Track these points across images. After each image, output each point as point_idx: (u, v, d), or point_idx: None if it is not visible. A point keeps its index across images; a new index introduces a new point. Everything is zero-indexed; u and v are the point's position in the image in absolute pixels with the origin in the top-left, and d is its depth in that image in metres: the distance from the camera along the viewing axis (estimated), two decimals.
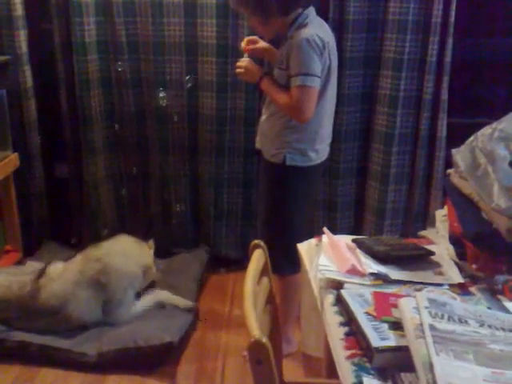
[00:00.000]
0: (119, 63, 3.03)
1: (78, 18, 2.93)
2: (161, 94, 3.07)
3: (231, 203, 3.24)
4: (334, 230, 1.74)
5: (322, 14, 2.54)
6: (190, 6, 2.93)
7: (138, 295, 2.71)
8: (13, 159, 2.99)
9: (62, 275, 2.56)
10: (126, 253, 2.67)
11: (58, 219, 3.37)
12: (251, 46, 2.35)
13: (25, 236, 3.18)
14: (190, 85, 3.06)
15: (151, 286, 2.80)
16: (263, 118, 2.39)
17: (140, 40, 3.01)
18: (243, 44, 2.37)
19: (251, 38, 2.38)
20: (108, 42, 3.04)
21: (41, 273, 2.60)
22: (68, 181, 3.29)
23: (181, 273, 2.99)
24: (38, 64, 3.15)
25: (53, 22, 3.01)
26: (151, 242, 2.89)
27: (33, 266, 2.83)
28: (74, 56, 2.99)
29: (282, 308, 2.31)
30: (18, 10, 2.95)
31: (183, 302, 2.72)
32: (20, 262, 3.07)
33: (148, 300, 2.68)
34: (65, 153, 3.23)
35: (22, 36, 2.99)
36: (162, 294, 2.71)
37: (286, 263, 2.30)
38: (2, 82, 2.88)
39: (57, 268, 2.61)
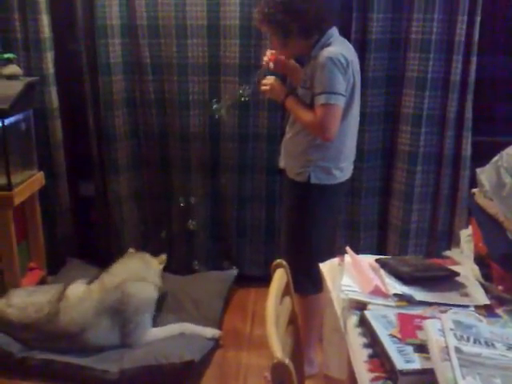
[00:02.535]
0: None
1: (103, 39, 3.00)
2: (183, 114, 3.11)
3: (254, 221, 3.25)
4: (357, 250, 1.72)
5: (345, 33, 2.55)
6: (213, 27, 2.98)
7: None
8: (38, 178, 3.04)
9: (81, 302, 2.56)
10: (142, 278, 2.70)
11: (83, 237, 3.40)
12: (276, 57, 2.34)
13: (49, 254, 3.21)
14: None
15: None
16: (287, 136, 2.39)
17: (164, 61, 3.06)
18: (267, 56, 2.37)
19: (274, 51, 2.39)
20: (133, 62, 3.10)
21: (60, 295, 2.60)
22: (92, 199, 3.33)
23: (207, 289, 3.00)
24: (65, 84, 3.21)
25: (79, 44, 3.08)
26: (164, 256, 2.92)
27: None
28: (100, 76, 3.05)
29: (304, 328, 2.28)
30: (46, 32, 3.02)
31: (209, 331, 2.69)
32: (43, 280, 3.10)
33: (171, 329, 2.65)
34: (89, 171, 3.27)
35: (49, 57, 3.06)
36: (186, 327, 2.67)
37: (307, 282, 2.28)
38: (28, 102, 2.94)
39: (76, 290, 2.61)
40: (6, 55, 2.90)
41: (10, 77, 2.85)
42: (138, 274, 2.71)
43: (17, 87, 2.76)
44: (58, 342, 2.52)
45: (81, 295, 2.59)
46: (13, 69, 2.88)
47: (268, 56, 2.37)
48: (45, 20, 3.00)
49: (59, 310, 2.54)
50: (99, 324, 2.54)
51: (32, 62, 3.07)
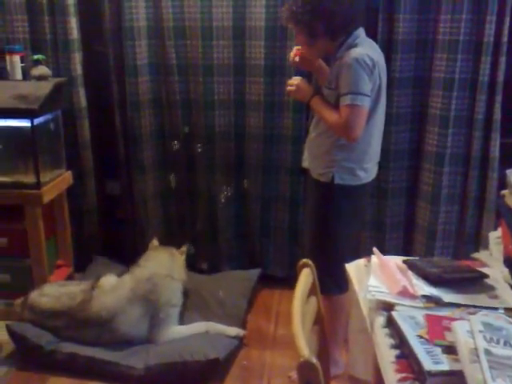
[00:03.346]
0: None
1: (130, 41, 3.04)
2: (209, 114, 3.13)
3: (278, 221, 3.25)
4: (383, 251, 1.71)
5: (371, 34, 2.54)
6: (239, 28, 2.99)
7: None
8: (66, 177, 3.09)
9: (114, 290, 2.62)
10: (169, 271, 2.74)
11: (109, 235, 3.45)
12: (302, 51, 2.33)
13: (76, 251, 3.27)
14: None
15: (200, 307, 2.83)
16: (311, 136, 2.39)
17: (190, 62, 3.09)
18: (293, 52, 2.37)
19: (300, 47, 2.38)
20: (159, 64, 3.13)
21: (94, 284, 2.67)
22: (119, 198, 3.37)
23: (231, 288, 3.02)
24: (92, 85, 3.26)
25: (107, 45, 3.12)
26: (184, 248, 2.94)
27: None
28: (126, 78, 3.09)
29: (329, 328, 2.27)
30: (74, 33, 3.07)
31: (234, 330, 2.70)
32: (71, 277, 3.15)
33: (196, 328, 2.67)
34: (116, 170, 3.32)
35: (77, 58, 3.11)
36: (211, 325, 2.69)
37: (332, 283, 2.28)
38: (57, 102, 2.99)
39: (110, 280, 2.68)
40: (36, 56, 2.97)
41: (40, 78, 2.91)
42: (166, 267, 2.75)
43: (46, 88, 2.82)
44: (89, 329, 2.57)
45: (114, 284, 2.65)
46: (42, 70, 2.93)
47: (294, 52, 2.37)
48: (73, 22, 3.05)
49: (92, 296, 2.60)
50: (131, 311, 2.57)
51: (61, 64, 3.12)
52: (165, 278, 2.69)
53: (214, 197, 3.26)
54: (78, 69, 3.13)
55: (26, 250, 2.86)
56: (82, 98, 3.17)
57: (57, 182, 2.98)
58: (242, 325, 2.82)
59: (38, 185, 2.80)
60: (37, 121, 2.80)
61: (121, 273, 2.76)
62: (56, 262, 3.16)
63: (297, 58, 2.36)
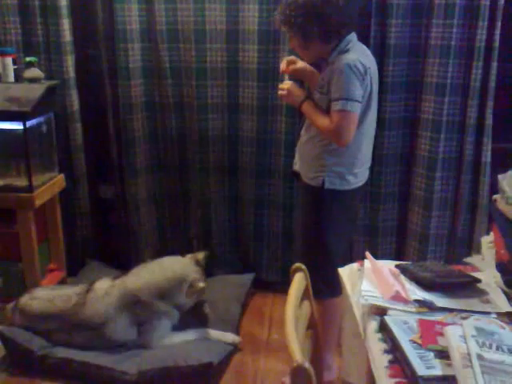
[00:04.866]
0: None
1: (123, 43, 3.03)
2: (202, 118, 3.13)
3: (271, 226, 3.25)
4: (376, 256, 1.72)
5: (364, 38, 2.55)
6: (232, 32, 2.99)
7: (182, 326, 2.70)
8: (59, 180, 3.08)
9: (105, 296, 2.59)
10: (162, 290, 2.61)
11: (102, 239, 3.43)
12: (291, 67, 2.36)
13: (69, 255, 3.25)
14: None
15: (204, 321, 2.76)
16: (302, 140, 2.39)
17: (183, 65, 3.09)
18: (282, 65, 2.39)
19: (290, 58, 2.39)
20: (152, 67, 3.12)
21: (89, 287, 2.65)
22: (112, 201, 3.36)
23: (225, 294, 3.01)
24: (85, 88, 3.25)
25: (99, 48, 3.12)
26: (200, 255, 2.81)
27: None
28: (119, 81, 3.09)
29: (322, 333, 2.27)
30: (67, 36, 3.06)
31: (230, 337, 2.69)
32: (63, 281, 3.13)
33: (192, 335, 2.65)
34: (109, 174, 3.31)
35: (70, 61, 3.10)
36: (207, 333, 2.67)
37: (324, 287, 2.27)
38: (50, 105, 2.98)
39: (104, 285, 2.65)
40: (28, 59, 2.95)
41: (32, 80, 2.89)
42: (159, 285, 2.62)
43: (38, 90, 2.80)
44: (81, 333, 2.55)
45: (106, 289, 2.62)
46: (34, 72, 2.92)
47: (283, 67, 2.38)
48: (66, 24, 3.04)
49: (86, 300, 2.58)
50: (118, 319, 2.55)
51: (53, 66, 3.12)
52: (151, 292, 2.59)
53: (207, 201, 3.26)
54: (71, 71, 3.12)
55: (17, 253, 2.84)
56: (74, 100, 3.16)
57: (49, 186, 2.96)
58: (236, 329, 2.81)
59: (30, 188, 2.79)
60: (29, 123, 2.78)
61: (119, 274, 2.73)
62: (48, 266, 3.14)
63: (286, 77, 2.36)
